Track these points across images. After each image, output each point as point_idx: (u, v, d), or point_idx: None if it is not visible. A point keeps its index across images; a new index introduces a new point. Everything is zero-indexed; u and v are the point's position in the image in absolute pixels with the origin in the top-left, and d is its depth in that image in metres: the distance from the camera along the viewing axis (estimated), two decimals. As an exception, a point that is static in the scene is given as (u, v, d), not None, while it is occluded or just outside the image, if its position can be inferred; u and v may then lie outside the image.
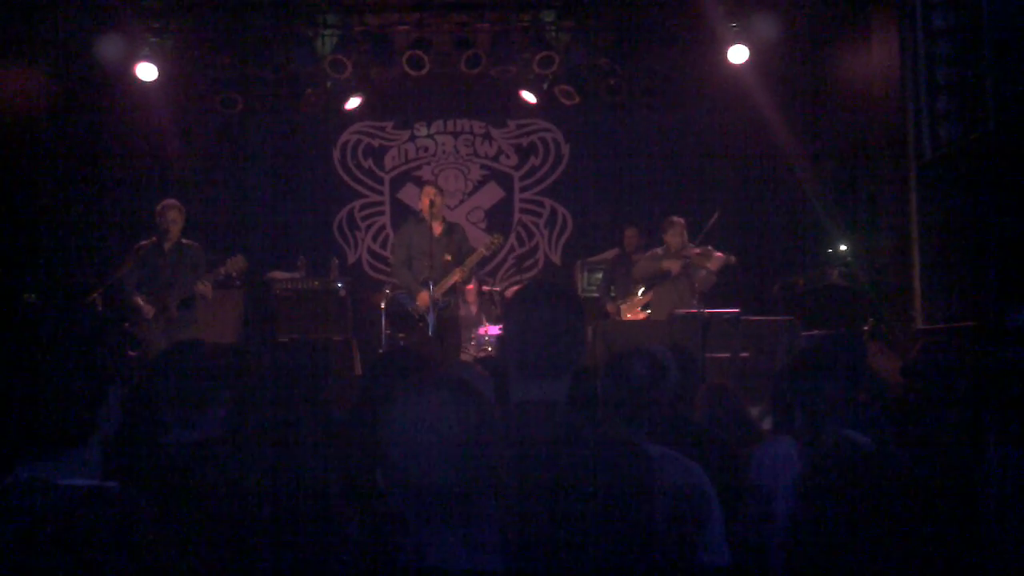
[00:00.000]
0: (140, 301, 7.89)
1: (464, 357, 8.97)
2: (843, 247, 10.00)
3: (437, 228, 8.36)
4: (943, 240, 8.72)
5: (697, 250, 8.78)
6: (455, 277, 8.16)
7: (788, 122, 10.44)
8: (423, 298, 8.13)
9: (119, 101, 10.34)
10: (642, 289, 9.28)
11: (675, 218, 8.97)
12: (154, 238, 8.00)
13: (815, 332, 8.23)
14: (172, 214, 8.00)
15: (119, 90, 10.21)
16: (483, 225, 11.56)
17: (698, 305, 8.54)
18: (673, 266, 8.77)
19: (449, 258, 8.23)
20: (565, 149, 11.75)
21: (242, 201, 11.22)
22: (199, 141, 10.99)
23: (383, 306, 8.91)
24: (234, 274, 8.33)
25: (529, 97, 10.89)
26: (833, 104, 10.13)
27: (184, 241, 8.08)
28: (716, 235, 9.00)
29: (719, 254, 8.73)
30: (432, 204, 8.32)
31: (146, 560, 1.82)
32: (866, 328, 8.88)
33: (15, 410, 1.87)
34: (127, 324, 7.83)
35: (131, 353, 7.62)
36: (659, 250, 9.03)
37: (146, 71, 9.87)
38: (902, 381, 4.31)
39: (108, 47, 9.69)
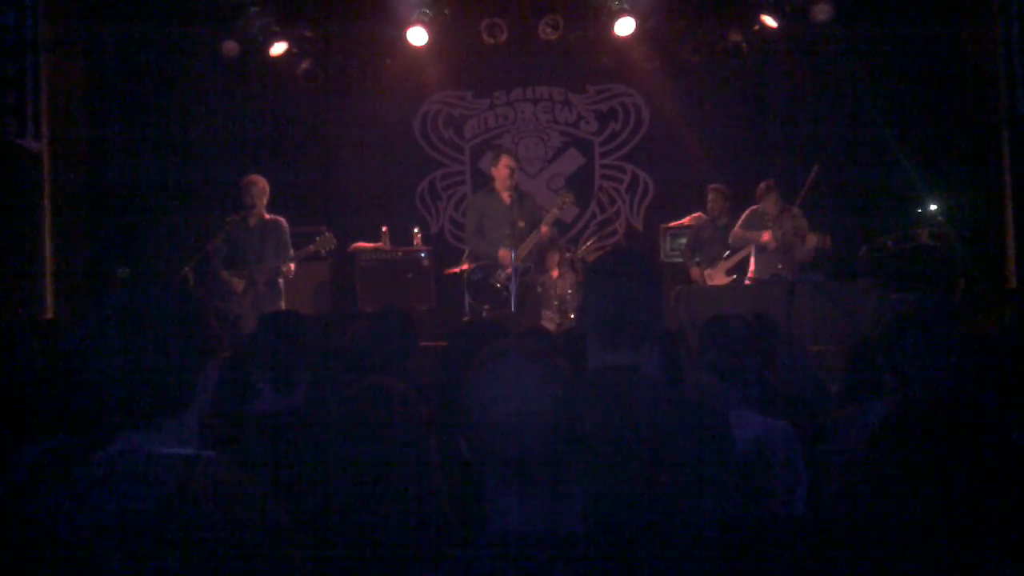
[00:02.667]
0: (228, 276, 8.06)
1: (547, 324, 9.00)
2: (933, 207, 9.77)
3: (508, 197, 8.43)
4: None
5: (796, 210, 8.69)
6: (539, 237, 8.25)
7: (876, 79, 10.20)
8: (504, 255, 8.23)
9: (206, 75, 10.51)
10: (727, 253, 9.21)
11: (768, 183, 8.91)
12: (241, 213, 8.15)
13: (904, 295, 8.07)
14: (256, 189, 8.15)
15: (206, 64, 10.38)
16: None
17: (784, 270, 8.48)
18: (771, 241, 8.75)
19: (523, 224, 8.31)
20: (646, 113, 11.62)
21: (325, 173, 11.34)
22: (282, 114, 11.12)
23: (465, 276, 8.96)
24: (323, 252, 8.49)
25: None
26: (923, 61, 9.86)
27: (268, 217, 8.23)
28: (816, 193, 8.84)
29: (814, 235, 8.63)
30: (512, 173, 8.41)
31: (246, 526, 1.87)
32: (958, 290, 8.68)
33: (115, 382, 1.93)
34: (218, 300, 8.01)
35: (220, 327, 7.80)
36: (757, 207, 8.96)
37: (229, 47, 10.04)
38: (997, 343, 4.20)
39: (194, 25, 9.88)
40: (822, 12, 9.58)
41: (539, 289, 9.14)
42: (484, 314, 8.55)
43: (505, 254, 8.32)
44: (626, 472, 2.25)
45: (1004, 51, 8.74)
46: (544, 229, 8.37)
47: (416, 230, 10.37)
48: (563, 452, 1.78)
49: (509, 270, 8.30)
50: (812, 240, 8.65)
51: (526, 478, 1.76)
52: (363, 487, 2.40)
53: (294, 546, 1.95)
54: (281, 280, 8.26)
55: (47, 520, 1.88)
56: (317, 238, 8.41)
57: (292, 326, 3.44)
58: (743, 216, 9.11)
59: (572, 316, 9.27)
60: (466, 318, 8.68)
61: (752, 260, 9.04)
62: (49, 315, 8.85)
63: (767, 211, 8.89)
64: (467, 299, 8.91)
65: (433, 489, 2.47)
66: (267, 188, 8.23)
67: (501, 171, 8.50)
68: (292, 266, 8.22)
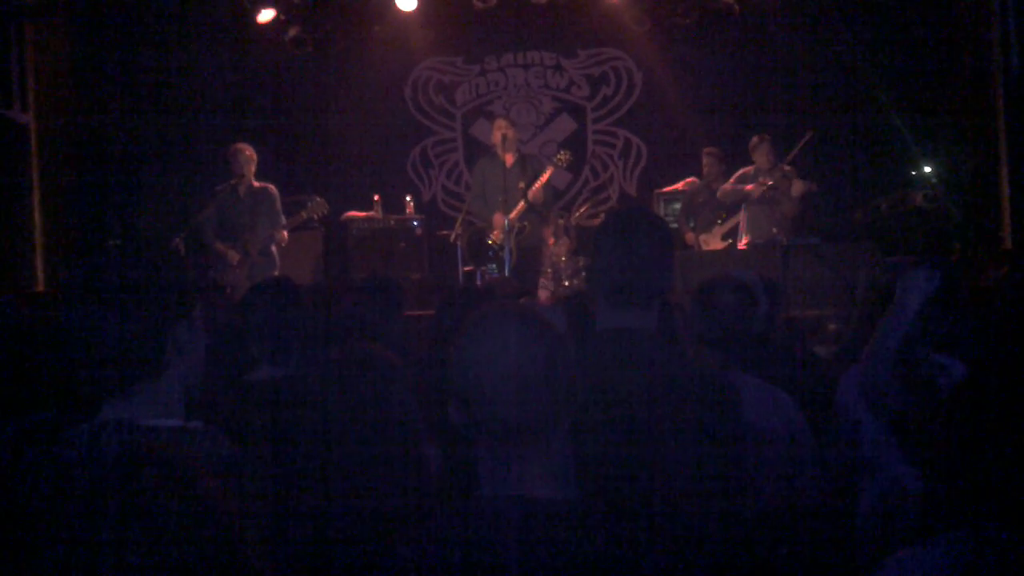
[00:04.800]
0: (221, 247, 8.02)
1: (542, 290, 8.97)
2: (927, 169, 9.73)
3: (510, 160, 8.42)
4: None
5: (787, 167, 8.75)
6: (528, 197, 8.23)
7: (869, 39, 10.12)
8: (497, 219, 8.25)
9: (194, 43, 10.41)
10: (723, 217, 9.17)
11: (761, 135, 8.95)
12: (230, 182, 8.09)
13: (899, 257, 8.05)
14: (242, 157, 8.10)
15: (193, 32, 10.28)
16: (557, 158, 11.44)
17: (779, 233, 8.46)
18: (755, 190, 8.76)
19: (523, 185, 8.29)
20: (638, 77, 11.54)
21: (316, 141, 11.26)
22: (271, 81, 11.03)
23: (459, 243, 8.92)
24: (315, 217, 8.46)
25: None
26: (918, 22, 9.78)
27: (257, 184, 8.17)
28: (806, 155, 8.87)
29: (800, 182, 8.68)
30: (504, 138, 8.38)
31: (233, 498, 1.85)
32: (953, 252, 8.67)
33: (88, 348, 1.91)
34: (211, 270, 7.97)
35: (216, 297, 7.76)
36: (749, 168, 8.99)
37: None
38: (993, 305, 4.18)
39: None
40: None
41: (543, 249, 9.09)
42: (480, 276, 8.55)
43: (499, 218, 8.34)
44: (625, 436, 2.22)
45: (999, 11, 8.67)
46: (534, 189, 8.32)
47: (408, 198, 10.31)
48: (553, 415, 1.74)
49: (498, 232, 8.32)
50: (798, 186, 8.65)
51: (516, 442, 1.73)
52: (352, 453, 2.37)
53: (281, 517, 1.93)
54: (274, 248, 8.24)
55: (30, 493, 1.87)
56: (308, 203, 8.38)
57: (286, 294, 3.40)
58: (734, 176, 9.13)
59: (566, 283, 9.24)
60: (452, 286, 8.66)
61: (742, 224, 9.04)
62: (40, 287, 8.81)
63: (759, 165, 8.92)
64: (460, 266, 8.89)
65: (420, 454, 2.44)
66: (254, 156, 8.17)
67: (495, 135, 8.53)
68: (285, 233, 8.20)
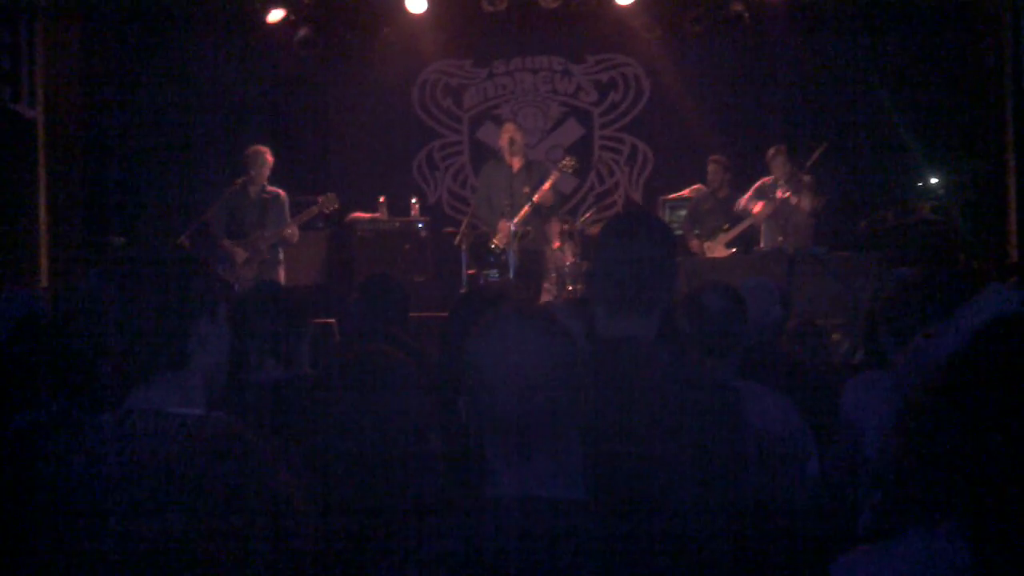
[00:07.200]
0: (228, 244, 8.05)
1: (546, 294, 8.98)
2: (934, 180, 9.72)
3: (516, 164, 8.43)
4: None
5: (806, 176, 8.73)
6: (534, 200, 8.22)
7: (878, 50, 10.11)
8: (502, 227, 8.27)
9: (203, 42, 10.42)
10: (728, 224, 9.17)
11: (777, 147, 8.97)
12: (241, 181, 8.12)
13: (905, 268, 8.05)
14: (261, 159, 8.17)
15: (203, 31, 10.29)
16: (563, 163, 11.44)
17: (784, 242, 8.47)
18: (758, 218, 8.93)
19: (528, 190, 8.30)
20: (646, 84, 11.53)
21: (322, 142, 11.28)
22: (279, 81, 11.05)
23: (462, 246, 8.93)
24: (327, 211, 8.53)
25: None
26: (928, 32, 9.78)
27: (269, 188, 8.22)
28: (822, 164, 8.88)
29: (808, 197, 8.69)
30: (512, 142, 8.42)
31: (255, 485, 1.88)
32: (958, 264, 8.65)
33: (109, 340, 1.97)
34: (219, 268, 8.00)
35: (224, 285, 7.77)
36: (768, 179, 9.00)
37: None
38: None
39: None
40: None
41: (546, 255, 9.09)
42: (483, 281, 8.56)
43: (504, 224, 8.34)
44: (631, 440, 2.21)
45: (1010, 23, 8.67)
46: (541, 190, 8.33)
47: (414, 200, 10.32)
48: (564, 417, 1.74)
49: (503, 236, 8.32)
50: (806, 203, 8.68)
51: (526, 442, 1.72)
52: (362, 454, 2.37)
53: (301, 507, 1.95)
54: (281, 250, 8.28)
55: (55, 478, 1.92)
56: (320, 198, 8.46)
57: (282, 298, 3.39)
58: (753, 187, 9.13)
59: (570, 288, 9.24)
60: (463, 289, 8.65)
61: (762, 232, 9.08)
62: (44, 284, 8.81)
63: (776, 176, 8.93)
64: (464, 269, 8.89)
65: (432, 454, 2.44)
66: (271, 159, 8.25)
67: (502, 139, 8.55)
68: (296, 229, 8.27)
